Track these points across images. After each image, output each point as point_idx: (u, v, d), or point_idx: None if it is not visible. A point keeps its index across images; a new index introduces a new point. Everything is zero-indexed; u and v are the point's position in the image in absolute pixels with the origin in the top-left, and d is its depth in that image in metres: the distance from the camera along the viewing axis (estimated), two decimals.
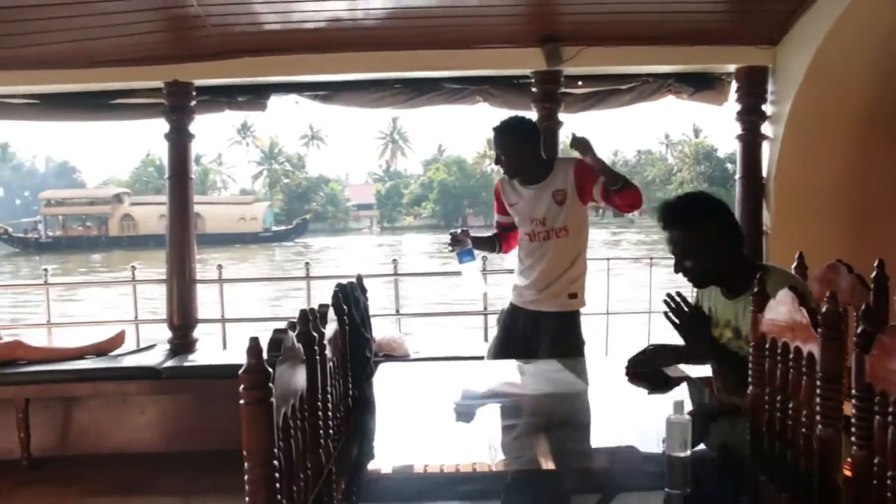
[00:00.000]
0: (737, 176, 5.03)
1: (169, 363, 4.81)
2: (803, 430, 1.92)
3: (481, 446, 2.28)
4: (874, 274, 2.70)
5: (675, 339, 2.92)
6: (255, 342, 1.33)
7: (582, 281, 3.93)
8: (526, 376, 3.49)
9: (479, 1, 4.47)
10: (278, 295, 19.08)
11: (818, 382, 1.82)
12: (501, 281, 5.21)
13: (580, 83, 5.02)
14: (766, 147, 4.87)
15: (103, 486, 4.38)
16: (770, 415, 2.17)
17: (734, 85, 4.95)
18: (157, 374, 4.70)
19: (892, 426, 1.49)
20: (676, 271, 2.76)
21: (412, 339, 5.10)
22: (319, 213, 78.92)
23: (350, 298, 2.52)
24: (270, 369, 1.34)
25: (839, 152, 4.65)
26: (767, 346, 2.20)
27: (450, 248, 3.95)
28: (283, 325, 1.65)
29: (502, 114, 4.60)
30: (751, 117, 4.89)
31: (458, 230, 4.03)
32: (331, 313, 2.23)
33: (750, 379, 2.32)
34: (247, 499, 1.34)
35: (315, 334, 1.74)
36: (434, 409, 2.70)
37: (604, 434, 2.45)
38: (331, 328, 2.17)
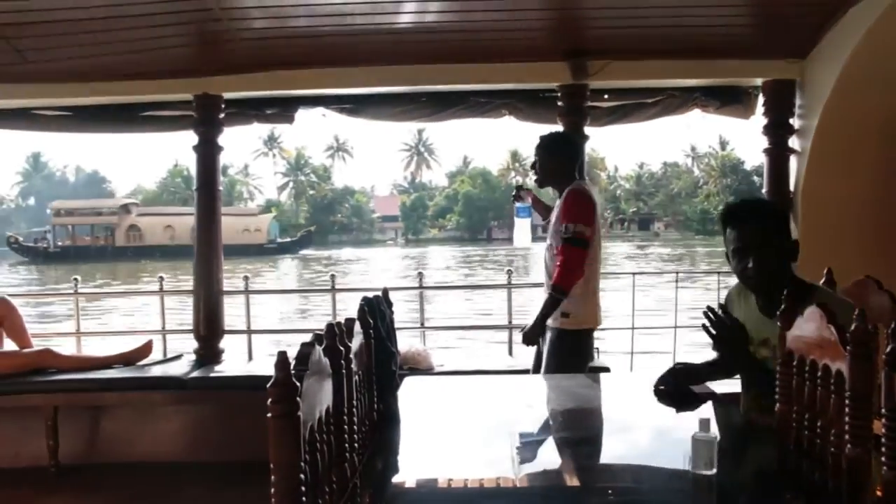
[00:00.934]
0: (763, 189, 5.00)
1: (195, 374, 4.85)
2: (832, 449, 1.90)
3: (505, 461, 2.27)
4: None
5: (700, 355, 2.91)
6: (283, 356, 1.34)
7: (579, 300, 3.90)
8: (552, 391, 3.47)
9: (506, 15, 4.48)
10: (298, 307, 19.08)
11: (847, 401, 1.80)
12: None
13: (606, 97, 5.02)
14: (793, 161, 4.84)
15: (129, 494, 4.42)
16: (798, 433, 2.14)
17: (761, 98, 4.93)
18: (183, 384, 4.74)
19: None
20: (739, 269, 2.69)
21: (437, 353, 5.11)
22: (345, 224, 79.44)
23: (376, 312, 2.53)
24: (298, 383, 1.35)
25: (867, 166, 4.60)
26: (795, 363, 2.18)
27: (512, 199, 4.40)
28: (308, 337, 1.66)
29: (528, 127, 4.66)
30: (778, 131, 4.87)
31: (523, 187, 4.38)
32: (357, 327, 2.24)
33: (777, 397, 2.29)
34: None
35: (342, 348, 1.75)
36: (458, 423, 2.70)
37: (629, 451, 2.43)
38: (356, 341, 2.18)
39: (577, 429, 2.74)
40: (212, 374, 4.88)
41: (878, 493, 1.68)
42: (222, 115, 5.06)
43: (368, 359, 2.40)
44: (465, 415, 2.83)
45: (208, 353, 5.10)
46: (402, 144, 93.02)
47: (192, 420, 4.95)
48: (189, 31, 4.55)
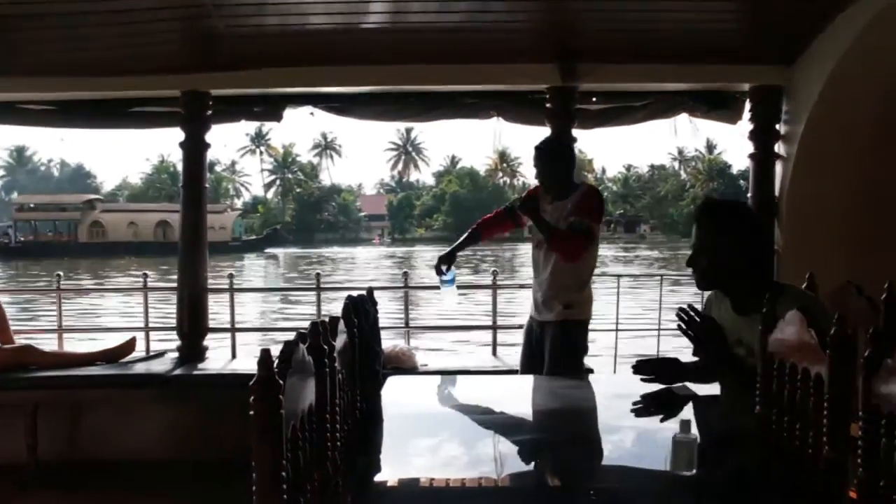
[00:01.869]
0: (749, 194, 5.04)
1: (178, 371, 4.83)
2: (810, 451, 1.92)
3: (488, 461, 2.28)
4: (884, 296, 2.69)
5: (683, 359, 2.92)
6: (266, 353, 1.34)
7: (581, 293, 4.11)
8: (534, 391, 3.49)
9: (496, 17, 4.50)
10: (278, 306, 18.93)
11: (825, 404, 1.81)
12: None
13: (594, 100, 5.05)
14: (778, 166, 4.88)
15: (109, 492, 4.39)
16: (777, 435, 2.16)
17: (748, 104, 4.96)
18: (165, 381, 4.72)
19: None
20: (688, 264, 2.79)
21: (421, 353, 5.11)
22: (331, 222, 79.28)
23: (360, 311, 2.53)
24: (281, 381, 1.35)
25: (852, 173, 4.64)
26: (775, 366, 2.20)
27: (437, 272, 4.35)
28: (291, 335, 1.66)
29: (516, 128, 4.69)
30: (764, 136, 4.90)
31: (443, 257, 4.38)
32: (341, 325, 2.24)
33: (757, 399, 2.31)
34: None
35: (325, 346, 1.75)
36: (441, 422, 2.70)
37: (612, 452, 2.45)
38: (340, 340, 2.18)
39: (560, 429, 2.75)
40: (195, 372, 4.87)
41: (853, 494, 1.70)
42: (210, 112, 5.04)
43: (352, 357, 2.40)
44: (448, 414, 2.84)
45: (191, 350, 5.08)
46: (390, 143, 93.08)
47: (174, 418, 4.92)
48: (178, 27, 4.54)
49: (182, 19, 4.41)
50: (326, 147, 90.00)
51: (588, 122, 5.06)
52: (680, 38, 4.62)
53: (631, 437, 2.57)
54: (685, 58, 4.75)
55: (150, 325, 5.40)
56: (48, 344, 5.24)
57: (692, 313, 2.69)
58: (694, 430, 1.87)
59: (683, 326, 2.68)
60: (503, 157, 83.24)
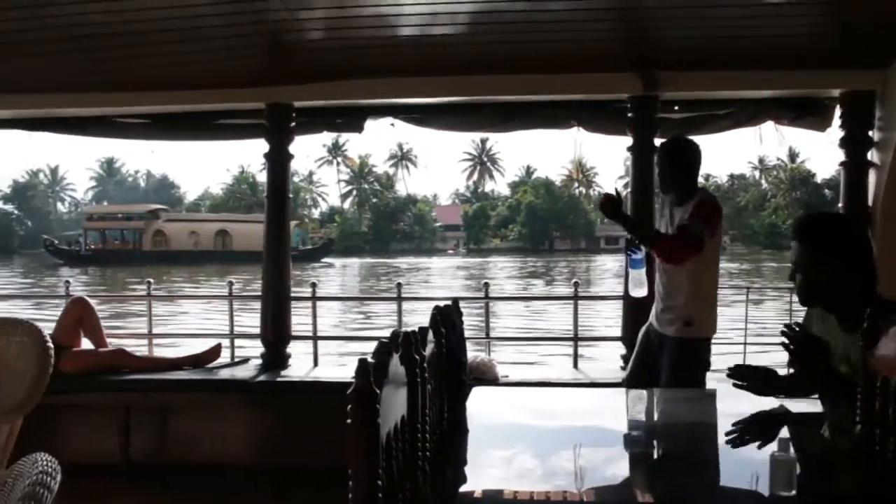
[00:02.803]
0: (840, 204, 4.85)
1: (262, 377, 4.92)
2: None
3: (572, 474, 2.25)
4: None
5: None
6: (363, 363, 1.35)
7: (701, 308, 3.87)
8: (621, 404, 3.44)
9: (577, 26, 4.47)
10: (348, 315, 18.97)
11: None
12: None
13: (676, 108, 4.96)
14: (871, 175, 4.69)
15: (195, 495, 4.49)
16: (881, 456, 2.08)
17: (838, 110, 4.79)
18: (249, 387, 4.82)
19: None
20: (790, 279, 2.71)
21: (501, 364, 5.10)
22: (406, 232, 79.89)
23: (448, 321, 2.54)
24: (378, 390, 1.36)
25: None
26: (878, 384, 2.12)
27: (626, 252, 4.12)
28: (370, 345, 1.68)
29: (596, 138, 4.63)
30: (856, 143, 4.73)
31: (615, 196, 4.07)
32: (430, 336, 2.26)
33: (858, 418, 2.23)
34: None
35: (417, 357, 1.76)
36: (526, 434, 2.69)
37: (703, 468, 2.39)
38: (428, 350, 2.20)
39: (650, 445, 2.71)
40: (278, 379, 4.95)
41: None
42: (293, 124, 5.14)
43: (440, 368, 2.41)
44: (532, 426, 2.82)
45: (275, 357, 5.17)
46: (465, 154, 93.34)
47: (257, 423, 5.02)
48: (261, 41, 4.65)
49: (265, 34, 4.52)
50: (402, 157, 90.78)
51: (671, 131, 4.96)
52: (765, 43, 4.50)
53: (723, 455, 2.50)
54: (771, 64, 4.62)
55: (230, 331, 5.51)
56: (139, 349, 5.44)
57: (796, 329, 2.61)
58: (792, 449, 1.80)
59: (787, 341, 2.60)
60: (579, 167, 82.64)
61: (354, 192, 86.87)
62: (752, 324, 5.78)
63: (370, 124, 5.27)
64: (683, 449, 2.69)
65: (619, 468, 2.40)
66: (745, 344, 5.22)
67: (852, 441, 2.30)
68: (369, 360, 1.39)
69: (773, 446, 1.81)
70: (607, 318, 8.73)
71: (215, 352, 5.21)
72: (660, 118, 4.85)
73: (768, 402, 2.79)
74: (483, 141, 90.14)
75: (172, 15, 4.22)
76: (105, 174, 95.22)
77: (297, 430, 4.84)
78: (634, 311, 4.80)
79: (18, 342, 3.43)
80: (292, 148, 5.20)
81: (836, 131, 4.84)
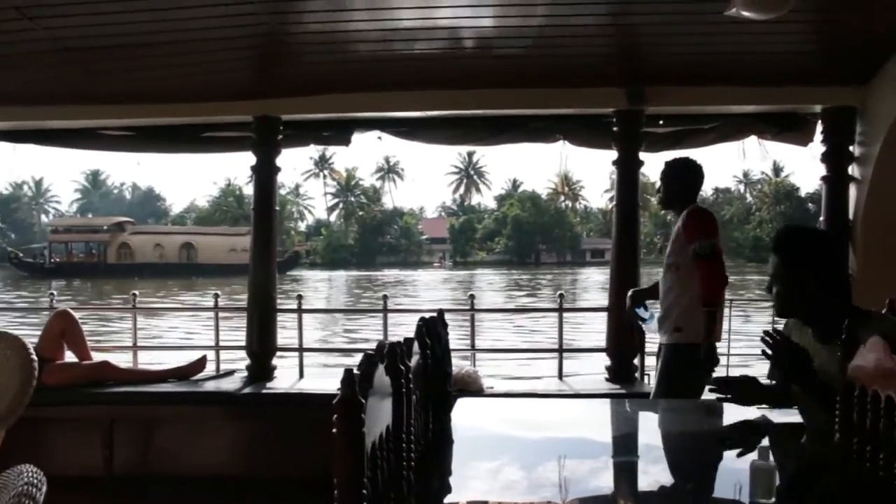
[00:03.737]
0: (821, 217, 4.92)
1: (247, 390, 4.91)
2: (894, 482, 1.87)
3: (556, 485, 2.27)
4: None
5: None
6: (349, 374, 1.37)
7: (690, 313, 3.91)
8: (606, 415, 3.45)
9: (563, 41, 4.51)
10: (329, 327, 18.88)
11: None
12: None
13: (661, 122, 5.01)
14: (852, 189, 4.76)
15: None
16: (859, 465, 2.10)
17: (820, 125, 4.86)
18: (235, 399, 4.81)
19: None
20: (767, 291, 2.75)
21: (486, 375, 5.11)
22: (393, 245, 79.79)
23: (433, 332, 2.55)
24: (363, 400, 1.38)
25: None
26: (856, 393, 2.15)
27: (631, 315, 4.28)
28: (356, 357, 1.69)
29: (582, 152, 4.70)
30: (837, 158, 4.81)
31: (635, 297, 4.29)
32: (415, 347, 2.27)
33: (837, 427, 2.25)
34: None
35: (402, 367, 1.78)
36: (510, 444, 2.70)
37: (685, 477, 2.41)
38: (414, 361, 2.21)
39: (633, 455, 2.72)
40: (264, 391, 4.95)
41: None
42: (280, 137, 5.15)
43: (425, 379, 2.42)
44: (516, 437, 2.83)
45: (260, 369, 5.17)
46: (452, 167, 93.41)
47: (243, 436, 5.01)
48: (249, 55, 4.67)
49: (253, 47, 4.54)
50: (389, 170, 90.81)
51: (655, 145, 5.03)
52: (749, 60, 4.56)
53: (705, 464, 2.53)
54: (755, 80, 4.69)
55: (215, 343, 5.50)
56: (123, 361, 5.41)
57: (776, 336, 2.64)
58: (772, 457, 1.83)
59: (767, 350, 2.63)
60: (566, 180, 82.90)
61: (341, 205, 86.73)
62: (737, 336, 5.82)
63: (357, 137, 5.30)
64: (667, 458, 2.71)
65: (603, 479, 2.41)
66: (728, 355, 5.25)
67: (831, 450, 2.33)
68: (355, 370, 1.40)
69: (753, 455, 1.83)
70: (589, 330, 8.78)
71: (200, 364, 5.19)
72: (645, 132, 4.91)
73: (751, 413, 2.83)
74: (470, 154, 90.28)
75: (161, 28, 4.23)
76: (90, 186, 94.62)
77: (282, 442, 4.83)
78: (618, 323, 4.85)
79: (1, 355, 3.41)
80: (279, 160, 5.22)
81: (818, 146, 4.91)
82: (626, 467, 2.54)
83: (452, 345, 3.30)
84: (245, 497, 4.59)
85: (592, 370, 5.72)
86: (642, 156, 4.93)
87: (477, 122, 5.16)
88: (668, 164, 4.19)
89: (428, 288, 42.41)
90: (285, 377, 5.27)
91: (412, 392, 1.95)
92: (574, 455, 2.58)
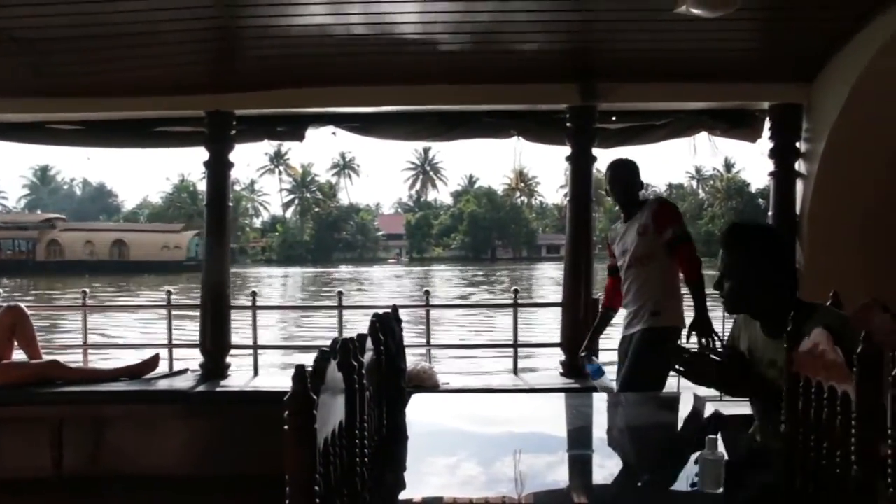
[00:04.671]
0: (769, 213, 5.03)
1: (200, 388, 4.86)
2: (838, 470, 1.92)
3: (510, 478, 2.28)
4: None
5: None
6: (300, 369, 1.36)
7: (668, 298, 4.08)
8: (561, 410, 3.49)
9: (517, 37, 4.54)
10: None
11: (853, 422, 1.81)
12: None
13: (614, 119, 5.06)
14: (799, 184, 4.87)
15: None
16: (804, 455, 2.16)
17: (768, 122, 4.96)
18: (188, 398, 4.75)
19: None
20: (715, 288, 2.79)
21: (442, 371, 5.12)
22: (349, 241, 79.40)
23: (387, 328, 2.55)
24: (315, 396, 1.38)
25: (873, 190, 4.63)
26: (801, 384, 2.20)
27: (584, 367, 4.33)
28: (311, 354, 1.69)
29: (537, 147, 4.73)
30: (784, 154, 4.91)
31: (584, 352, 4.38)
32: (368, 343, 2.27)
33: (783, 418, 2.31)
34: None
35: (355, 363, 1.77)
36: (465, 440, 2.71)
37: (637, 469, 2.45)
38: (367, 357, 2.21)
39: (585, 448, 2.76)
40: (217, 389, 4.89)
41: None
42: (233, 132, 5.09)
43: (379, 375, 2.42)
44: (471, 432, 2.84)
45: (214, 367, 5.11)
46: (408, 163, 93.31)
47: (197, 434, 4.94)
48: (202, 49, 4.60)
49: (206, 41, 4.47)
50: (345, 167, 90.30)
51: (608, 141, 5.08)
52: (699, 57, 4.63)
53: (657, 456, 2.57)
54: (704, 77, 4.76)
55: (168, 341, 5.42)
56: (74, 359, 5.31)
57: (682, 353, 2.71)
58: (721, 448, 1.87)
59: (678, 366, 2.69)
60: (521, 176, 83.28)
61: (296, 201, 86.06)
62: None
63: (311, 133, 5.26)
64: (620, 451, 2.75)
65: (558, 473, 2.43)
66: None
67: (778, 441, 2.38)
68: (307, 367, 1.40)
69: (704, 448, 1.87)
70: (545, 325, 8.82)
71: (153, 362, 5.12)
72: (598, 128, 4.96)
73: (705, 408, 2.88)
74: (426, 150, 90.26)
75: (112, 20, 4.15)
76: (39, 182, 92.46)
77: (237, 441, 4.78)
78: (573, 318, 4.91)
79: None
80: (233, 156, 5.16)
81: (766, 142, 5.01)
82: (581, 461, 2.57)
83: (407, 341, 3.31)
84: (198, 496, 4.53)
85: (549, 366, 5.75)
86: (595, 152, 4.98)
87: (431, 117, 5.15)
88: (619, 166, 4.23)
89: (384, 284, 42.31)
90: (240, 375, 5.22)
91: (365, 388, 1.95)
92: (530, 450, 2.60)
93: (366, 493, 1.88)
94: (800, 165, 4.88)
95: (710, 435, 1.90)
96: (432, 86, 4.86)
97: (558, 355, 5.12)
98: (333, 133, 5.24)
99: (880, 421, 1.72)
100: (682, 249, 4.03)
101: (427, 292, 5.47)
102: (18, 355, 4.90)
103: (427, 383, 4.78)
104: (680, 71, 4.74)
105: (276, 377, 5.26)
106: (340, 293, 5.44)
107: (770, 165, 4.98)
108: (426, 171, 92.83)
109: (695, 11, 3.52)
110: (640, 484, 2.32)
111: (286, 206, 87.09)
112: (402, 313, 3.27)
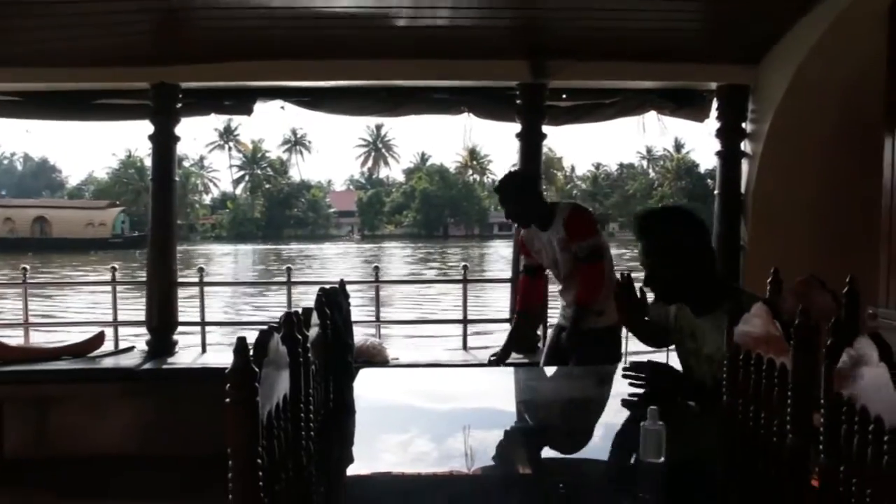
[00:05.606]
0: (715, 192, 5.12)
1: (147, 366, 4.79)
2: (774, 439, 1.97)
3: (459, 452, 2.30)
4: (846, 289, 2.76)
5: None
6: (242, 342, 1.35)
7: (606, 298, 3.90)
8: (507, 384, 3.52)
9: (468, 13, 4.52)
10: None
11: (789, 393, 1.87)
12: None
13: (564, 96, 5.09)
14: (745, 164, 4.95)
15: (77, 488, 4.34)
16: (742, 424, 2.22)
17: (715, 102, 5.03)
18: (134, 376, 4.69)
19: (857, 436, 1.53)
20: (645, 285, 2.80)
21: (392, 346, 5.13)
22: (301, 218, 78.71)
23: (333, 303, 2.54)
24: (257, 369, 1.37)
25: (816, 170, 4.74)
26: (741, 357, 2.25)
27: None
28: (259, 329, 1.67)
29: (487, 124, 4.72)
30: (731, 134, 4.99)
31: (499, 361, 4.29)
32: (314, 317, 2.25)
33: (724, 388, 2.37)
34: (230, 495, 1.36)
35: (299, 337, 1.77)
36: (413, 415, 2.72)
37: (583, 441, 2.49)
38: (313, 332, 2.20)
39: (532, 421, 2.79)
40: (164, 367, 4.83)
41: (814, 482, 1.75)
42: (179, 105, 5.00)
43: (325, 349, 2.41)
44: (419, 407, 2.86)
45: (161, 345, 5.05)
46: (360, 140, 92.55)
47: (144, 412, 4.88)
48: (147, 18, 4.49)
49: (149, 10, 4.36)
50: (296, 143, 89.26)
51: (558, 118, 5.11)
52: (648, 36, 4.67)
53: (601, 428, 2.61)
54: (653, 56, 4.81)
55: (113, 319, 5.32)
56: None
57: (632, 371, 2.75)
58: (660, 420, 1.91)
59: (633, 382, 2.73)
60: (473, 154, 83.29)
61: (247, 178, 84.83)
62: None
63: (260, 107, 5.19)
64: (565, 423, 2.79)
65: (508, 447, 2.45)
66: (627, 339, 5.39)
67: (718, 411, 2.44)
68: (248, 340, 1.39)
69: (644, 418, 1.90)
70: (497, 302, 8.85)
71: (98, 340, 5.03)
72: (548, 106, 4.98)
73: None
74: (378, 127, 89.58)
75: None
76: None
77: (184, 418, 4.74)
78: None
79: None
80: (179, 130, 5.07)
81: (713, 122, 5.08)
82: (528, 434, 2.60)
83: (357, 317, 3.30)
84: (147, 474, 4.49)
85: (499, 342, 5.79)
86: (546, 129, 5.00)
87: (381, 92, 5.12)
88: (511, 186, 4.04)
89: (335, 261, 42.07)
90: (187, 353, 5.16)
91: (311, 362, 1.95)
92: (480, 425, 2.62)
93: (311, 466, 1.88)
94: (746, 145, 4.96)
95: (651, 406, 1.93)
96: (382, 60, 4.83)
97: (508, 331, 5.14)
98: (282, 107, 5.18)
99: (814, 391, 1.77)
100: (584, 270, 3.95)
101: (376, 268, 5.46)
102: None
103: (377, 359, 4.79)
104: (630, 50, 4.78)
105: (223, 354, 5.21)
106: (289, 269, 5.40)
107: (717, 145, 5.06)
108: (378, 149, 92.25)
109: None
110: (584, 455, 2.36)
111: (236, 182, 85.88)
112: (354, 291, 3.25)
